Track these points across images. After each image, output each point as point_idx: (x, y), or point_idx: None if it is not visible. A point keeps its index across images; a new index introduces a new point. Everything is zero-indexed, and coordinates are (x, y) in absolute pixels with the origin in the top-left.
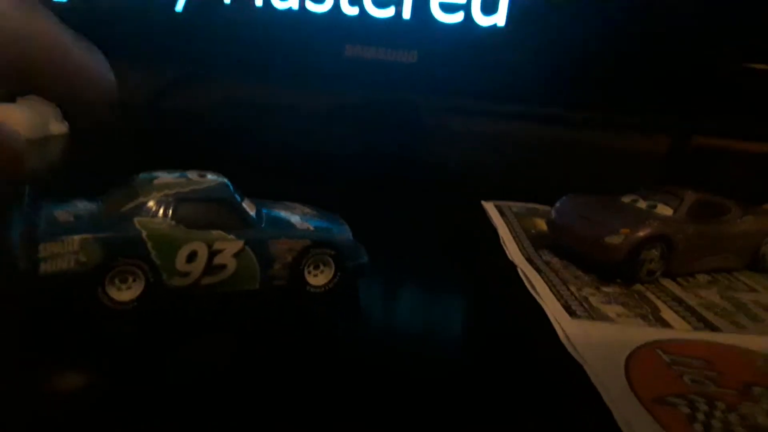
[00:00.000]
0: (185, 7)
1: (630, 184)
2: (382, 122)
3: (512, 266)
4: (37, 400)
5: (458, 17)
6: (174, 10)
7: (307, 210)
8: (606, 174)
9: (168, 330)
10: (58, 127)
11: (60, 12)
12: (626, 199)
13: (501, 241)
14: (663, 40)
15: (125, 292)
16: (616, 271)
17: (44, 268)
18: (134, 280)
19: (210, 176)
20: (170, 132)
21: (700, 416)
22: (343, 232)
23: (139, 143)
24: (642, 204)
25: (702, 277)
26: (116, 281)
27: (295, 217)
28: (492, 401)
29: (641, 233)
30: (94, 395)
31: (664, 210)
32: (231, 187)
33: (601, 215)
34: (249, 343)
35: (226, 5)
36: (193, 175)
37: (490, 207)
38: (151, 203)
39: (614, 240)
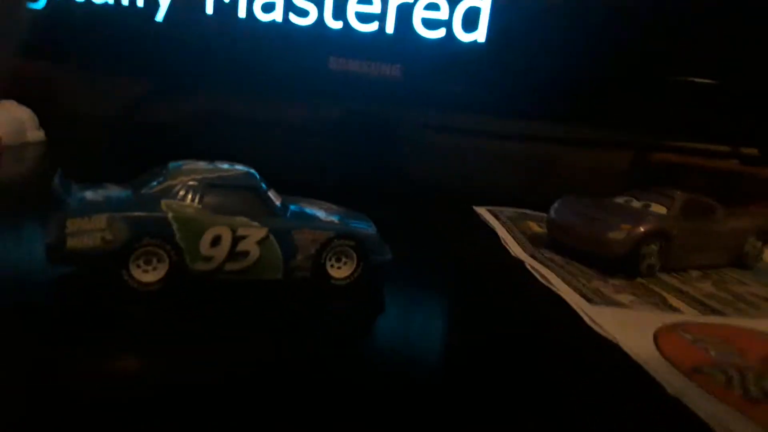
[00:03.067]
0: (166, 17)
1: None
2: (367, 135)
3: (518, 263)
4: (58, 377)
5: (440, 33)
6: (154, 20)
7: (333, 207)
8: (576, 187)
9: (191, 316)
10: (35, 134)
11: (35, 19)
12: (620, 200)
13: (502, 241)
14: (632, 60)
15: (149, 274)
16: (618, 266)
17: (71, 243)
18: (159, 262)
19: (238, 166)
20: (152, 143)
21: (736, 382)
22: (368, 227)
23: (119, 154)
24: (637, 204)
25: (694, 273)
26: (140, 262)
27: (320, 211)
28: (531, 388)
29: (642, 228)
30: (115, 376)
31: (659, 209)
32: (258, 177)
33: (601, 213)
34: (271, 333)
35: (209, 16)
36: (221, 164)
37: (483, 212)
38: (178, 187)
39: (617, 236)
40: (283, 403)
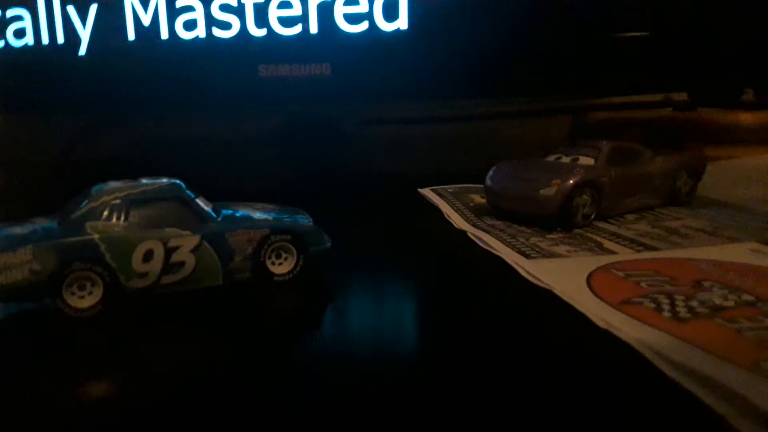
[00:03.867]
0: (89, 49)
1: None
2: (306, 136)
3: (461, 234)
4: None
5: (363, 26)
6: (77, 55)
7: (267, 206)
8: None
9: (133, 334)
10: None
11: None
12: (550, 158)
13: (445, 215)
14: (558, 24)
15: (85, 299)
16: (554, 221)
17: None
18: (93, 286)
19: (162, 179)
20: (94, 178)
21: (666, 306)
22: (303, 220)
23: (57, 192)
24: (566, 159)
25: (630, 216)
26: (74, 289)
27: (254, 212)
28: (477, 345)
29: (571, 181)
30: (66, 404)
31: (587, 161)
32: (183, 186)
33: (532, 173)
34: (218, 340)
35: (131, 42)
36: (144, 179)
37: (427, 192)
38: (101, 208)
39: (548, 191)
40: (247, 405)
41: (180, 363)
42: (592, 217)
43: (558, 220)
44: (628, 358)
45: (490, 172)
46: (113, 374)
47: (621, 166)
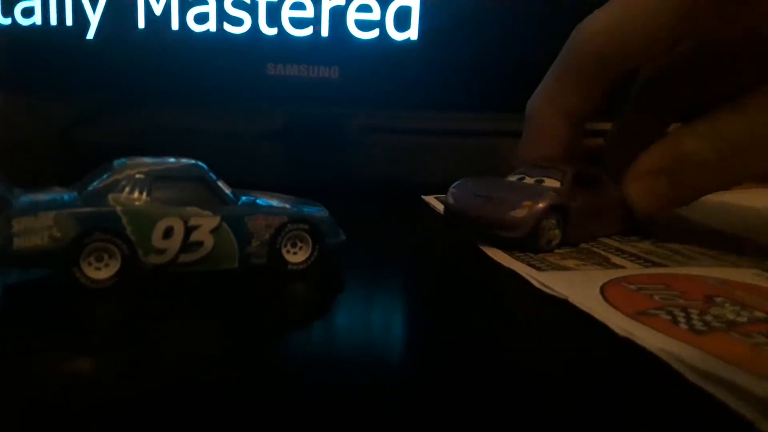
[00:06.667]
0: (97, 34)
1: None
2: (311, 139)
3: (470, 244)
4: (12, 383)
5: (374, 33)
6: (85, 38)
7: (284, 196)
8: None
9: (147, 311)
10: None
11: None
12: (513, 178)
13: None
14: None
15: (102, 271)
16: (521, 243)
17: (18, 243)
18: (110, 258)
19: (184, 159)
20: (94, 163)
21: (681, 319)
22: (320, 211)
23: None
24: (529, 180)
25: (634, 236)
26: (92, 260)
27: (272, 200)
28: (491, 349)
29: (542, 204)
30: (71, 377)
31: (552, 183)
32: (206, 168)
33: (499, 193)
34: (231, 323)
35: (141, 30)
36: (167, 158)
37: (431, 199)
38: (125, 181)
39: (518, 213)
40: (253, 395)
41: (184, 345)
42: (557, 241)
43: (526, 243)
44: (649, 366)
45: (452, 189)
46: (117, 351)
47: (586, 191)
